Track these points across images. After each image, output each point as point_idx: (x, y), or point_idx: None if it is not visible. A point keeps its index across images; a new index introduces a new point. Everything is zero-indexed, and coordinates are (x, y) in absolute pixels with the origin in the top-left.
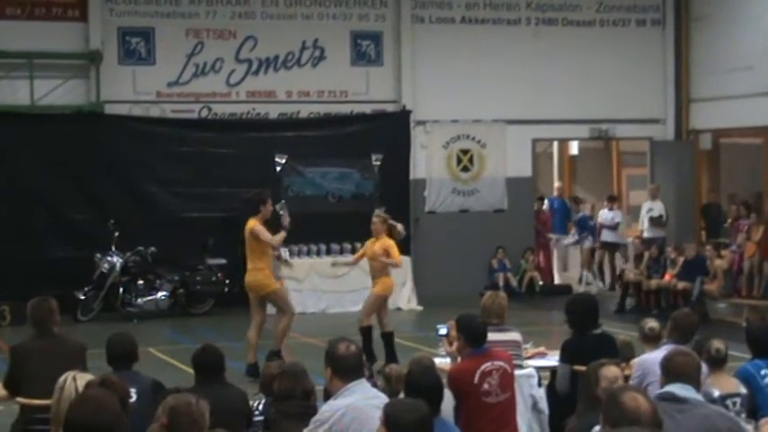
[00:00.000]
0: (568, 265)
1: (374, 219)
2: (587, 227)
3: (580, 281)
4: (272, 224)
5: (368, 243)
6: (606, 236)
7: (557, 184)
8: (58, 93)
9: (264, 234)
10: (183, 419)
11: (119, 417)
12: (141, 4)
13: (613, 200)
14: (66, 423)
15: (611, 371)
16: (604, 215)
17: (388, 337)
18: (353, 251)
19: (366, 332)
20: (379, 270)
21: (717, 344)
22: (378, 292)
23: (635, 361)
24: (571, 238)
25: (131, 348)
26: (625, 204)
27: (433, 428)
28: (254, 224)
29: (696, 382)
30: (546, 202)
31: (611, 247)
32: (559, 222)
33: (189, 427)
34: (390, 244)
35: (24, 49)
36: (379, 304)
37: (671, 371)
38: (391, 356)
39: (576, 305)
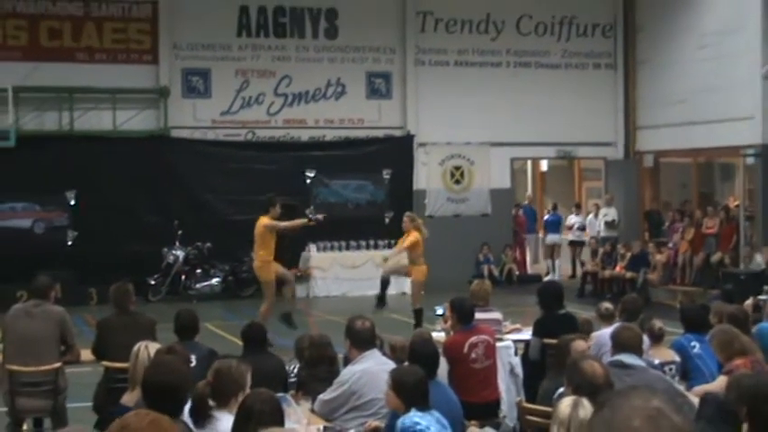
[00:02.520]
0: (539, 259)
1: (404, 218)
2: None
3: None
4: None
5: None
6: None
7: (528, 193)
8: (134, 121)
9: (279, 224)
10: (225, 378)
11: (186, 378)
12: (200, 50)
13: (579, 207)
14: (144, 382)
15: (580, 344)
16: (571, 219)
17: (417, 313)
18: (368, 247)
19: (418, 313)
20: (413, 260)
21: (657, 323)
22: (415, 279)
23: (592, 335)
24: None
25: (194, 323)
26: (584, 210)
27: (430, 388)
28: (265, 221)
29: (639, 351)
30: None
31: (577, 245)
32: (529, 225)
33: (229, 385)
34: (407, 235)
35: (109, 86)
36: (419, 288)
37: (618, 343)
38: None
39: (546, 290)
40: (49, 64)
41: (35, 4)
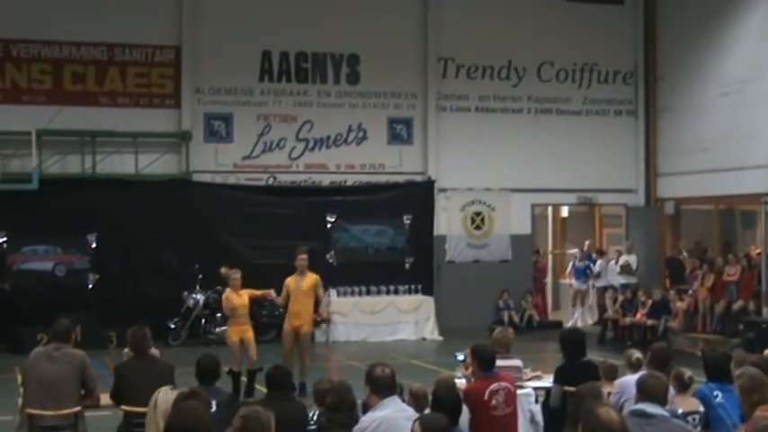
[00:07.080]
0: (560, 305)
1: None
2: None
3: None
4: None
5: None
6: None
7: (588, 242)
8: (156, 164)
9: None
10: (254, 423)
11: (209, 424)
12: (223, 94)
13: (602, 254)
14: (167, 428)
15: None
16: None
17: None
18: (388, 292)
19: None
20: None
21: (687, 372)
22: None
23: (616, 382)
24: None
25: (216, 368)
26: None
27: None
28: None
29: (663, 400)
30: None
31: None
32: (578, 272)
33: (258, 429)
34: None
35: (131, 130)
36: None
37: (643, 390)
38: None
39: (569, 337)
40: (72, 108)
41: (60, 48)
